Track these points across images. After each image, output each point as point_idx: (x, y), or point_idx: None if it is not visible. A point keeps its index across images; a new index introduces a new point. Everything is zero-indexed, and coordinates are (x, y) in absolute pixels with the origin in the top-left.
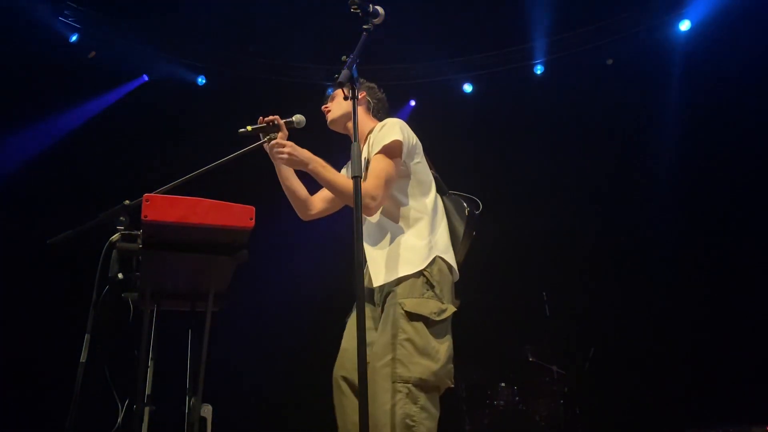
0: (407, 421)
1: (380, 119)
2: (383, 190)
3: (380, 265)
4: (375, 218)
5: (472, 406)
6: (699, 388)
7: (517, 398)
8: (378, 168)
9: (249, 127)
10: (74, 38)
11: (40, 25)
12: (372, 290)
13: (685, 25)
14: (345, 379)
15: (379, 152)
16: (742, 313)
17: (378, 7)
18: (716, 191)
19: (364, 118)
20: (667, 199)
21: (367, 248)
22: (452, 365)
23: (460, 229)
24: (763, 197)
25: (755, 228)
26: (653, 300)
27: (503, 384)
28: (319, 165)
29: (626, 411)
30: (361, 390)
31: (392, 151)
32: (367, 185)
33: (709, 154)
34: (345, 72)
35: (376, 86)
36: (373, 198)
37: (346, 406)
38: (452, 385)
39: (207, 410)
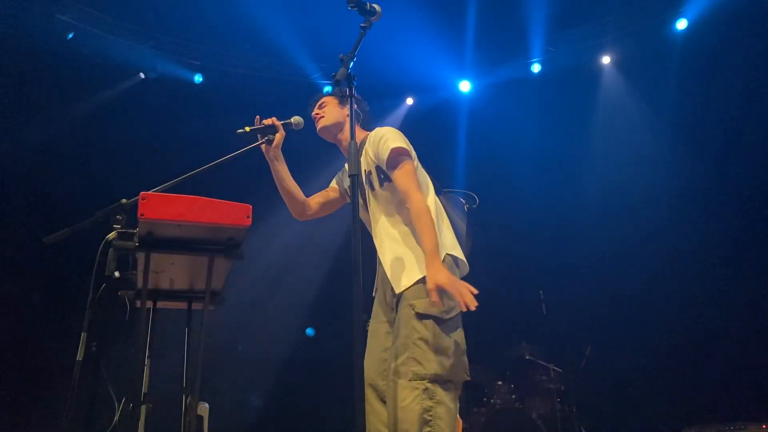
0: (425, 416)
1: (368, 130)
2: (420, 192)
3: (394, 272)
4: (383, 224)
5: (470, 404)
6: (696, 386)
7: (513, 396)
8: (403, 180)
9: (247, 128)
10: (71, 36)
11: (38, 22)
12: (385, 294)
13: (682, 24)
14: (370, 386)
15: (387, 161)
16: (740, 312)
17: (375, 5)
18: (710, 192)
19: (355, 128)
20: (664, 196)
21: (380, 253)
22: (466, 358)
23: (462, 224)
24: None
25: (755, 227)
26: (650, 298)
27: (500, 382)
28: (434, 251)
29: (623, 409)
30: (357, 389)
31: (400, 156)
32: (415, 203)
33: (702, 155)
34: (342, 70)
35: (362, 98)
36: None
37: (369, 412)
38: (469, 378)
39: (204, 408)
